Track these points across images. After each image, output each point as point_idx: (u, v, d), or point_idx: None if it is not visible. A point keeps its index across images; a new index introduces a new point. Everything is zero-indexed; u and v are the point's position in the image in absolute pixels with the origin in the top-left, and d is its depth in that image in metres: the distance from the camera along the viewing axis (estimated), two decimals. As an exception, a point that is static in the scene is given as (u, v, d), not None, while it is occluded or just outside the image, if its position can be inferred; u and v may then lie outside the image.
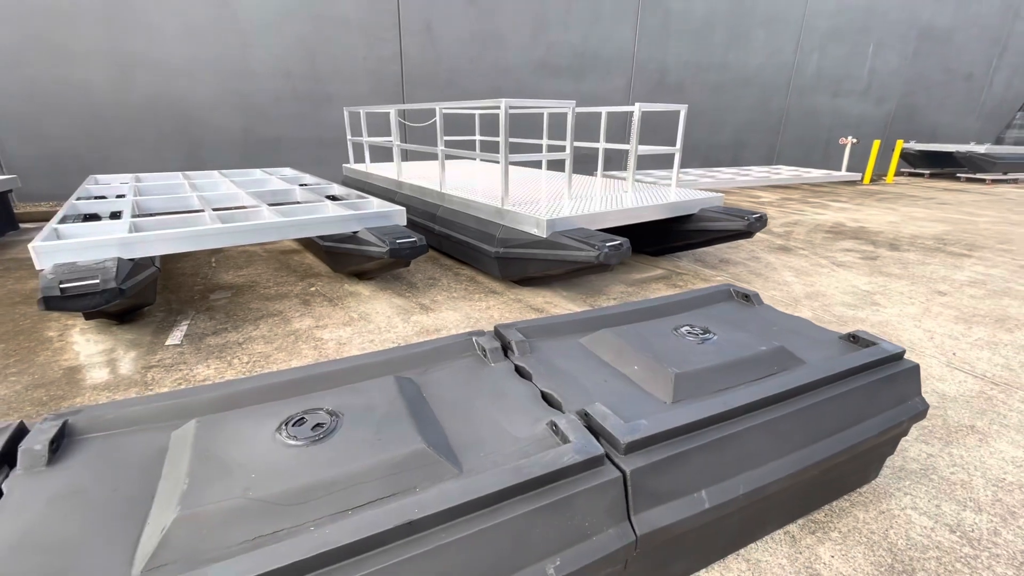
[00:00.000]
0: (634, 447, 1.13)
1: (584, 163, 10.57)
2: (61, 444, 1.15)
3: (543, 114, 6.66)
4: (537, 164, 7.29)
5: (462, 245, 3.93)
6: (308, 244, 4.40)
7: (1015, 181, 11.18)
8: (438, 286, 3.75)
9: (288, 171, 5.77)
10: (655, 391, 1.41)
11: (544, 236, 3.15)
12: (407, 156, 9.02)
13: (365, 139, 5.53)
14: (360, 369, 1.46)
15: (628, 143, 4.61)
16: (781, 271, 4.25)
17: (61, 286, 2.11)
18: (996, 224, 6.44)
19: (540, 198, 3.92)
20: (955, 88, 15.46)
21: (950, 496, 1.73)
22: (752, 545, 1.50)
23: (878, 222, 6.43)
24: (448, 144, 8.38)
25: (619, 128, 10.78)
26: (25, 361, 2.56)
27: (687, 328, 1.69)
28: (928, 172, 12.32)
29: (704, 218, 3.91)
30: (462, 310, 3.29)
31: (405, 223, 3.47)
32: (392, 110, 4.62)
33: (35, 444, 1.09)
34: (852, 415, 1.44)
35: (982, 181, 11.14)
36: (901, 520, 1.62)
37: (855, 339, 1.71)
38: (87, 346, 2.73)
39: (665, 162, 11.70)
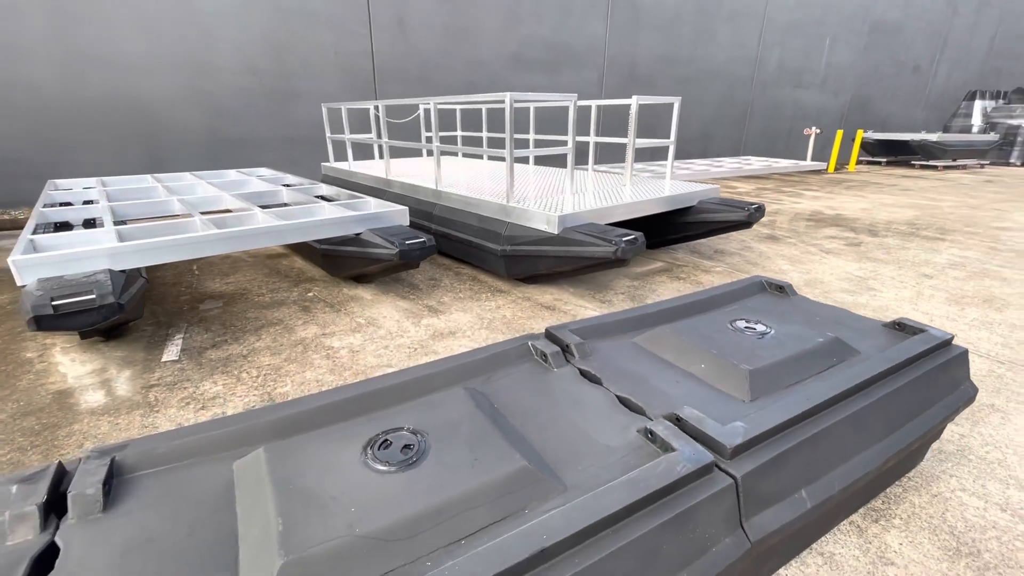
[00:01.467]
0: (739, 451, 1.09)
1: (562, 158, 10.53)
2: (112, 485, 1.02)
3: (529, 108, 6.59)
4: (525, 159, 7.22)
5: (463, 244, 3.82)
6: (297, 247, 4.20)
7: (964, 167, 11.85)
8: (441, 287, 3.64)
9: (266, 171, 5.50)
10: (730, 389, 1.37)
11: (556, 232, 3.09)
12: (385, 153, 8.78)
13: (347, 136, 5.33)
14: (421, 382, 1.36)
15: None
16: (775, 260, 4.33)
17: (54, 303, 1.91)
18: (958, 208, 6.78)
19: (539, 194, 3.86)
20: (904, 80, 16.25)
21: (992, 475, 1.77)
22: (823, 539, 1.50)
23: (852, 209, 6.67)
24: (429, 141, 8.22)
25: (584, 121, 10.78)
26: (5, 387, 2.32)
27: (743, 322, 1.67)
28: (885, 160, 12.90)
29: (703, 210, 3.94)
30: (472, 311, 3.20)
31: (408, 223, 3.35)
32: (379, 105, 4.45)
33: (87, 488, 0.96)
34: (920, 403, 1.45)
35: (935, 168, 11.75)
36: (954, 503, 1.65)
37: (901, 327, 1.73)
38: (74, 367, 2.50)
39: (640, 155, 11.82)
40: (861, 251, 4.62)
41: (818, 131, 11.27)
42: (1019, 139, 12.45)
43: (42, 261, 2.16)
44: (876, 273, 3.99)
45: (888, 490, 1.69)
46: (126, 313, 2.18)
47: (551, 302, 3.35)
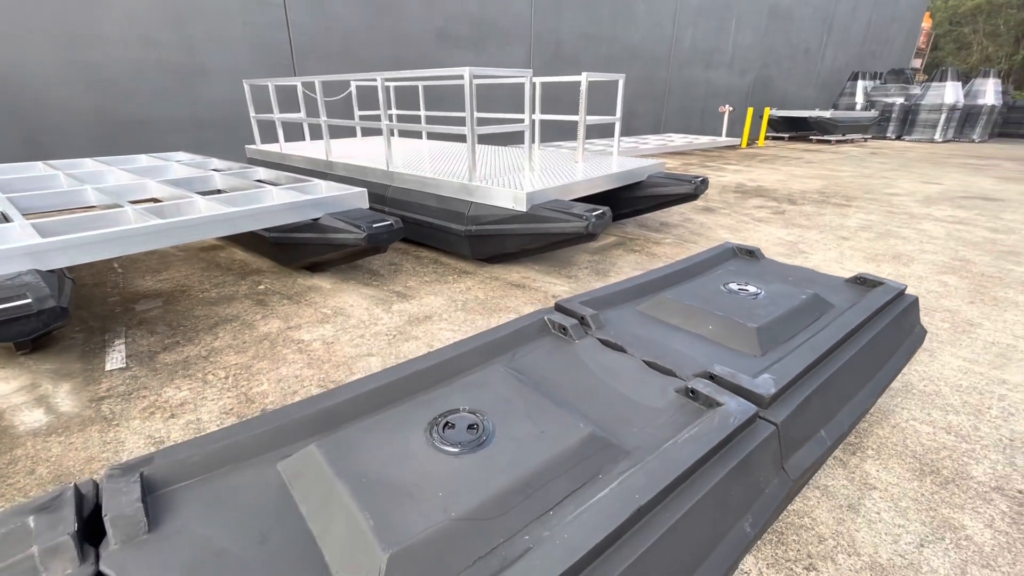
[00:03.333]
0: (774, 399, 1.18)
1: (507, 136, 10.46)
2: (147, 502, 0.91)
3: (478, 85, 6.44)
4: (463, 137, 7.08)
5: (422, 226, 3.71)
6: (237, 237, 3.87)
7: (852, 141, 13.23)
8: (404, 271, 3.53)
9: (184, 155, 4.98)
10: (741, 346, 1.47)
11: (524, 210, 3.09)
12: (314, 134, 8.25)
13: (277, 116, 4.94)
14: (451, 363, 1.33)
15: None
16: (716, 229, 4.63)
17: (-19, 312, 1.63)
18: (856, 178, 7.59)
19: (493, 173, 3.82)
20: (797, 61, 17.71)
21: (933, 405, 2.05)
22: (817, 474, 1.66)
23: (770, 181, 7.25)
24: (363, 119, 7.80)
25: (516, 98, 10.76)
26: (-91, 415, 1.96)
27: (735, 285, 1.78)
28: (788, 136, 14.08)
29: (652, 184, 4.10)
30: (443, 293, 3.14)
31: (367, 205, 3.19)
32: (316, 82, 4.16)
33: (124, 508, 0.85)
34: (892, 345, 1.64)
35: (828, 142, 13.01)
36: (910, 431, 1.89)
37: (862, 281, 1.93)
38: (-5, 385, 2.16)
39: (574, 134, 12.00)
40: (786, 218, 5.06)
41: (731, 109, 12.04)
42: (894, 115, 14.09)
43: (-50, 264, 1.82)
44: (803, 238, 4.40)
45: (859, 427, 1.91)
46: (68, 318, 1.91)
47: (520, 280, 3.36)
